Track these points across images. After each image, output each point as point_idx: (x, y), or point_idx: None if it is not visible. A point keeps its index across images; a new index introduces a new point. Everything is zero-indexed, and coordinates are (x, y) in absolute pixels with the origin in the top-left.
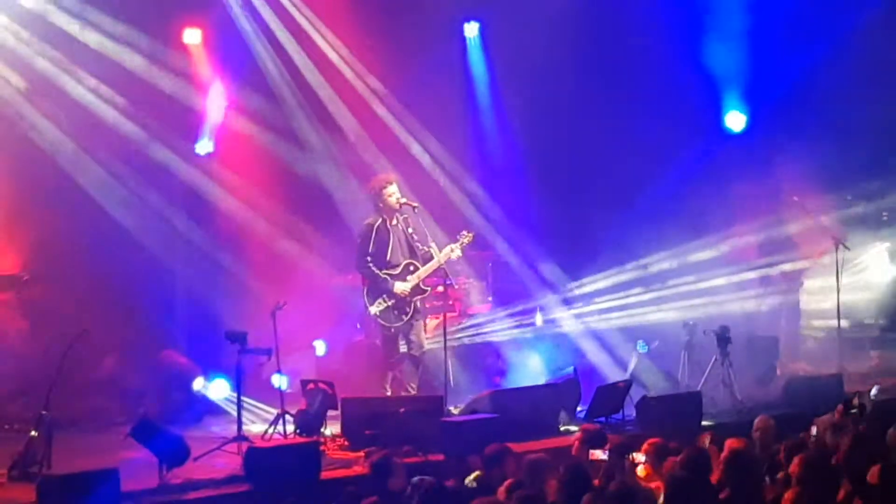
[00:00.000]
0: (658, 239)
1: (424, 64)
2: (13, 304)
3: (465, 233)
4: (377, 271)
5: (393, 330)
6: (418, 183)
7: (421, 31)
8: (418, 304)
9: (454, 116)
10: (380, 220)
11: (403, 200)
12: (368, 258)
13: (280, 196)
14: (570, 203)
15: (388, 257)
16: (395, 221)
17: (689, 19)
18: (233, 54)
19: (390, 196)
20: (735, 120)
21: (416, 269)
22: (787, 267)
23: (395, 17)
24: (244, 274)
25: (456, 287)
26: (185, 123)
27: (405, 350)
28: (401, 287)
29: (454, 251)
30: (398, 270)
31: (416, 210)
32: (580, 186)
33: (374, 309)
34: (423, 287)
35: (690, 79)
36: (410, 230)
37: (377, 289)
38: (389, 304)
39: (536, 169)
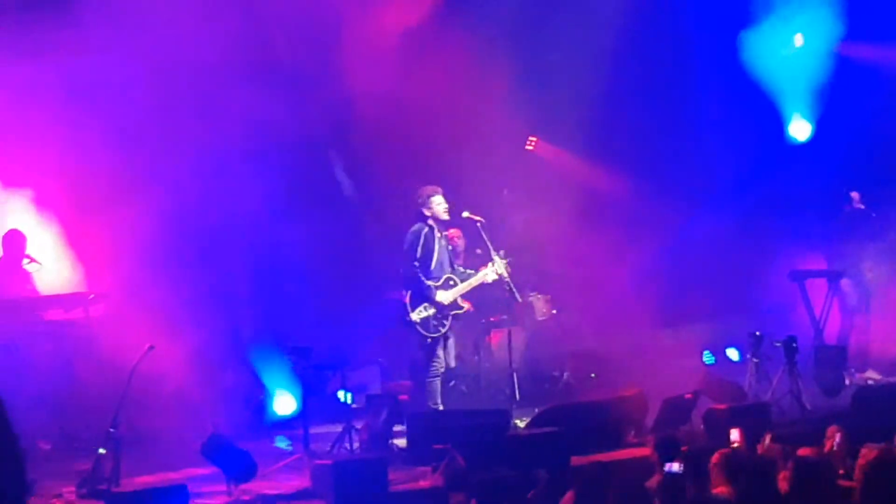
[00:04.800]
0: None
1: None
2: (81, 322)
3: (502, 253)
4: (423, 278)
5: (430, 340)
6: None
7: None
8: (450, 320)
9: None
10: (426, 228)
11: (460, 211)
12: (416, 263)
13: (335, 211)
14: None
15: (432, 266)
16: (439, 234)
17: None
18: None
19: (438, 205)
20: (800, 128)
21: (456, 284)
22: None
23: None
24: (309, 289)
25: (520, 300)
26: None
27: None
28: (443, 296)
29: (488, 276)
30: (440, 282)
31: (480, 224)
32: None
33: (414, 316)
34: (460, 304)
35: (750, 82)
36: (450, 247)
37: (420, 296)
38: (430, 312)
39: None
